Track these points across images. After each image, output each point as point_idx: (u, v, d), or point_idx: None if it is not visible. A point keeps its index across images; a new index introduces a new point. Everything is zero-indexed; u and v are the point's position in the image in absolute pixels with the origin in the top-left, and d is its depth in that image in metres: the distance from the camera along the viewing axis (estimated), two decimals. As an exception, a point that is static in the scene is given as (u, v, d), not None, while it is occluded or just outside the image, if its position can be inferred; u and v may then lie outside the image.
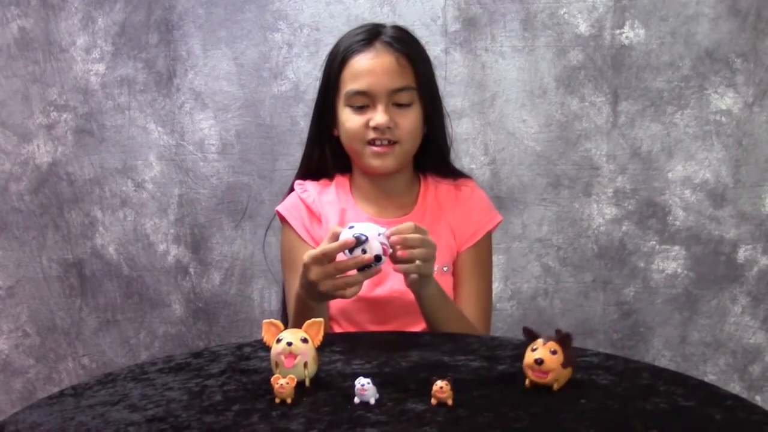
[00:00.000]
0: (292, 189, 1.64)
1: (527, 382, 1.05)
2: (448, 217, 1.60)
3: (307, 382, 1.08)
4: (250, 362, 1.20)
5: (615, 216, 2.21)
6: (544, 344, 1.04)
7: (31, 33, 2.33)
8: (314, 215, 1.58)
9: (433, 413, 0.97)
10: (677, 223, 2.19)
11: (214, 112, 2.30)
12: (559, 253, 2.24)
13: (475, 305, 1.57)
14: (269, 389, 1.04)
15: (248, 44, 2.27)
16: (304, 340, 1.09)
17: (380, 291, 1.53)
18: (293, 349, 1.07)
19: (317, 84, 1.60)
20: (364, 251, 1.27)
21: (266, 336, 1.10)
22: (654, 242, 2.20)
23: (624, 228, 2.21)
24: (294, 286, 1.43)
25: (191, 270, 2.38)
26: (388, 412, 0.98)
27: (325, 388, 1.07)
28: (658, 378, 1.11)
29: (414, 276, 1.36)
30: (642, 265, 2.21)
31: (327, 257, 1.30)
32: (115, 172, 2.36)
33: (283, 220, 1.61)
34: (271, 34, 2.26)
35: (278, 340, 1.08)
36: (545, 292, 2.25)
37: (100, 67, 2.32)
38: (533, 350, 1.04)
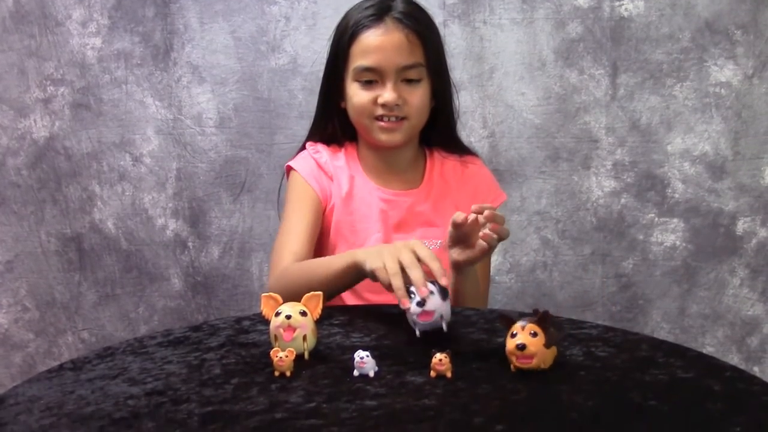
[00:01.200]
0: (302, 148, 1.63)
1: (512, 368, 1.01)
2: (453, 193, 1.60)
3: (306, 355, 1.08)
4: (249, 335, 1.20)
5: (614, 189, 2.20)
6: (523, 328, 1.00)
7: (26, 6, 2.31)
8: (325, 173, 1.57)
9: (432, 386, 0.97)
10: (676, 195, 2.18)
11: (211, 86, 2.29)
12: (558, 226, 2.23)
13: (482, 280, 1.58)
14: (268, 362, 1.04)
15: (245, 17, 2.25)
16: (303, 313, 1.08)
17: None
18: (292, 322, 1.07)
19: (315, 57, 1.59)
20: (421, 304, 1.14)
21: (265, 309, 1.10)
22: (653, 215, 2.20)
23: (623, 201, 2.20)
24: (298, 224, 1.45)
25: (190, 244, 2.37)
26: (387, 385, 0.98)
27: (324, 361, 1.07)
28: (657, 350, 1.10)
29: (480, 250, 1.36)
30: (641, 237, 2.21)
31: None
32: (113, 147, 2.35)
33: (290, 172, 1.61)
34: (268, 7, 2.24)
35: (277, 314, 1.08)
36: (544, 264, 2.25)
37: (97, 41, 2.31)
38: (513, 336, 1.00)
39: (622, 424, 0.87)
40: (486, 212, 1.29)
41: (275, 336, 1.08)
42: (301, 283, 1.35)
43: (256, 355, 1.10)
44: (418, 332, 1.13)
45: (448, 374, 1.00)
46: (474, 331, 1.20)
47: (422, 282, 1.14)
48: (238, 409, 0.91)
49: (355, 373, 1.01)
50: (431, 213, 1.58)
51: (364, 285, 1.55)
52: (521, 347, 0.99)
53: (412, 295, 1.12)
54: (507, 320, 1.02)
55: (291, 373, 1.02)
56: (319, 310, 1.11)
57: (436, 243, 1.55)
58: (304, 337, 1.08)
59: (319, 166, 1.58)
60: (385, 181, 1.59)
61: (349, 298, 1.55)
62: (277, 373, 1.02)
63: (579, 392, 0.95)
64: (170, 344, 1.16)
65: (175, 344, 1.16)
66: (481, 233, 1.33)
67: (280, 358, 1.01)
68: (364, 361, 1.01)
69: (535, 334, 1.00)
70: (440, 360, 0.99)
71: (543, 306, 2.21)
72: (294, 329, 1.07)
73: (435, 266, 1.17)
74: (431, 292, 1.12)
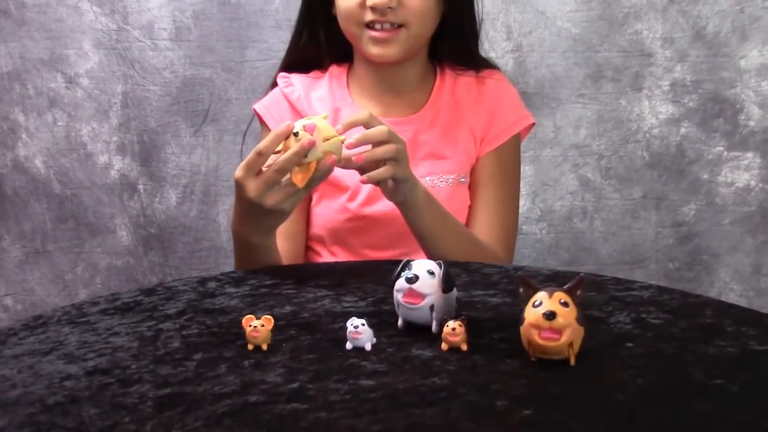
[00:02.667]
0: (274, 84, 1.63)
1: (531, 354, 0.96)
2: (467, 116, 1.59)
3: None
4: (216, 300, 1.20)
5: (672, 115, 2.20)
6: (551, 296, 0.94)
7: None
8: (299, 114, 1.57)
9: (443, 360, 0.98)
10: (751, 123, 2.18)
11: (164, -13, 2.28)
12: (601, 163, 2.23)
13: (493, 222, 1.57)
14: (239, 333, 1.04)
15: None
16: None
17: (378, 207, 1.54)
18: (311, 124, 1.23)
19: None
20: None
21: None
22: (721, 148, 2.20)
23: (683, 130, 2.20)
24: None
25: (140, 187, 2.37)
26: (387, 360, 0.98)
27: (309, 331, 1.08)
28: (725, 316, 1.11)
29: (390, 183, 1.33)
30: (705, 176, 2.21)
31: (263, 158, 1.25)
32: (40, 65, 2.34)
33: (261, 120, 1.61)
34: None
35: (295, 134, 1.24)
36: (583, 211, 2.26)
37: (18, -70, 2.28)
38: (536, 306, 0.94)
39: (679, 408, 0.87)
40: (348, 138, 1.27)
41: (299, 147, 1.23)
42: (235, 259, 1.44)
43: (224, 325, 1.11)
44: (400, 321, 1.07)
45: (464, 346, 1.00)
46: (495, 293, 1.20)
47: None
48: (202, 391, 0.92)
49: (348, 345, 1.02)
50: (438, 142, 1.57)
51: (362, 239, 1.55)
52: (549, 316, 0.92)
53: (406, 270, 1.06)
54: (528, 285, 0.97)
55: (268, 346, 1.03)
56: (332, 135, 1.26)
57: (448, 179, 1.55)
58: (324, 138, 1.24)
59: (292, 105, 1.58)
60: (385, 106, 1.58)
61: (342, 256, 1.55)
62: (250, 347, 1.02)
63: (626, 368, 0.95)
64: (117, 311, 1.17)
65: (123, 311, 1.16)
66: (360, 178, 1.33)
67: (255, 327, 1.02)
68: (359, 331, 1.01)
69: (566, 304, 0.94)
70: (453, 329, 1.00)
71: (582, 263, 2.21)
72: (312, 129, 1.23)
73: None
74: (430, 272, 1.05)
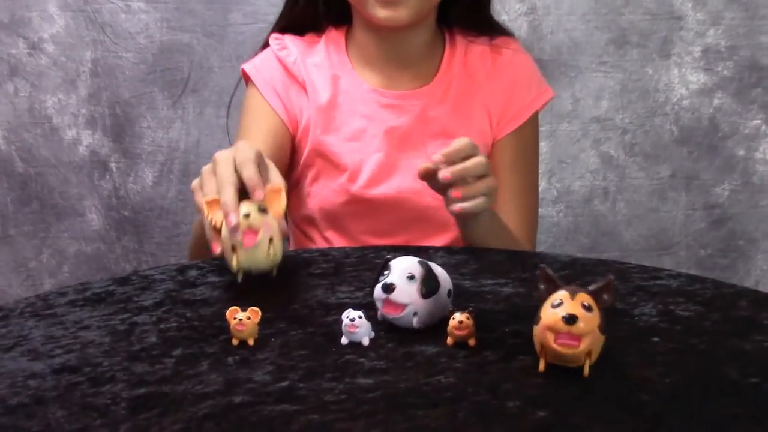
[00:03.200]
0: (265, 45, 1.63)
1: (541, 363, 0.94)
2: (481, 91, 1.59)
3: (274, 272, 1.12)
4: (197, 291, 1.20)
5: (704, 85, 2.20)
6: (573, 297, 0.91)
7: None
8: (295, 79, 1.57)
9: (449, 357, 0.98)
10: (791, 94, 2.18)
11: (138, -58, 2.27)
12: (625, 138, 2.23)
13: (517, 214, 1.58)
14: (223, 326, 1.04)
15: None
16: (263, 211, 1.12)
17: (383, 189, 1.54)
18: (252, 222, 1.10)
19: None
20: None
21: (211, 214, 1.13)
22: (759, 121, 2.20)
23: (716, 102, 2.20)
24: None
25: (112, 165, 2.37)
26: (387, 356, 0.98)
27: (300, 324, 1.08)
28: (762, 308, 1.11)
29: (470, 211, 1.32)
30: (741, 153, 2.21)
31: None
32: (0, 29, 2.34)
33: (248, 81, 1.61)
34: None
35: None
36: (605, 192, 2.26)
37: None
38: (555, 306, 0.91)
39: (711, 410, 0.87)
40: (443, 172, 1.26)
41: (231, 247, 1.12)
42: (192, 242, 1.44)
43: (206, 317, 1.11)
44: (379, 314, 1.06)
45: (472, 342, 1.00)
46: (508, 282, 1.20)
47: (228, 202, 1.12)
48: (181, 390, 0.92)
49: (344, 340, 1.02)
50: (450, 118, 1.57)
51: (362, 225, 1.55)
52: (570, 319, 0.89)
53: (386, 273, 1.04)
54: (549, 280, 0.94)
55: (255, 340, 1.03)
56: (281, 207, 1.13)
57: None
58: (270, 241, 1.11)
59: (286, 68, 1.58)
60: (388, 79, 1.58)
61: (338, 243, 1.56)
62: (235, 341, 1.03)
63: (652, 365, 0.96)
64: (87, 303, 1.17)
65: (93, 303, 1.17)
66: (452, 207, 1.32)
67: (240, 320, 1.02)
68: (356, 324, 1.01)
69: (589, 308, 0.91)
70: (460, 322, 1.00)
71: (603, 249, 2.22)
72: (256, 231, 1.11)
73: (246, 173, 1.14)
74: (409, 277, 1.03)
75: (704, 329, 1.05)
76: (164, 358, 1.00)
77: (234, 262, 1.13)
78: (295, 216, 1.63)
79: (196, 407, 0.88)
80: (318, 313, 1.11)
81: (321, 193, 1.57)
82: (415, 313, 1.03)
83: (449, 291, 1.06)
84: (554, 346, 0.91)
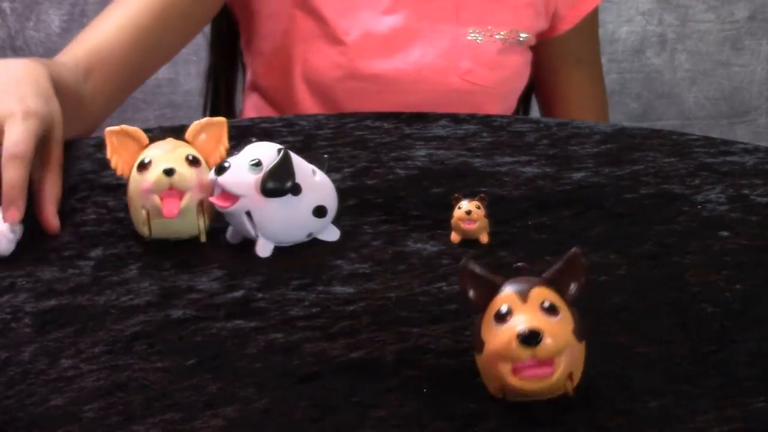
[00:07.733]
0: None
1: (502, 396, 0.79)
2: None
3: (203, 237, 1.04)
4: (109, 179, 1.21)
5: None
6: (525, 298, 0.74)
7: None
8: None
9: (453, 258, 0.99)
10: None
11: None
12: (689, -32, 2.23)
13: (591, 108, 1.65)
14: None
15: None
16: (194, 161, 1.02)
17: (397, 63, 1.52)
18: (176, 181, 1.00)
19: None
20: None
21: (114, 157, 1.04)
22: None
23: None
24: None
25: (5, 6, 2.37)
26: (372, 257, 0.99)
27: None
28: None
29: None
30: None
31: None
32: None
33: None
34: None
35: (142, 165, 1.02)
36: (661, 40, 2.26)
37: None
38: (501, 318, 0.74)
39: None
40: None
41: (145, 209, 1.01)
42: None
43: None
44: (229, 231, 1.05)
45: (483, 238, 1.01)
46: (530, 160, 1.21)
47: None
48: (103, 302, 0.93)
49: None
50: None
51: (364, 105, 1.51)
52: (530, 338, 0.72)
53: (235, 153, 1.00)
54: (477, 281, 0.77)
55: (206, 235, 1.03)
56: (222, 150, 1.05)
57: (500, 35, 1.53)
58: (201, 204, 1.02)
59: None
60: None
61: (314, 106, 1.54)
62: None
63: (719, 268, 0.96)
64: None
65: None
66: None
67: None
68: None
69: (553, 310, 0.74)
70: (468, 212, 1.00)
71: (659, 116, 2.23)
72: (181, 194, 1.01)
73: (8, 174, 1.03)
74: (255, 164, 0.98)
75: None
76: (79, 260, 1.01)
77: (146, 230, 1.03)
78: (257, 83, 1.61)
79: (123, 324, 0.89)
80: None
81: (305, 60, 1.55)
82: (248, 214, 0.99)
83: (320, 209, 1.01)
84: (514, 382, 0.75)
